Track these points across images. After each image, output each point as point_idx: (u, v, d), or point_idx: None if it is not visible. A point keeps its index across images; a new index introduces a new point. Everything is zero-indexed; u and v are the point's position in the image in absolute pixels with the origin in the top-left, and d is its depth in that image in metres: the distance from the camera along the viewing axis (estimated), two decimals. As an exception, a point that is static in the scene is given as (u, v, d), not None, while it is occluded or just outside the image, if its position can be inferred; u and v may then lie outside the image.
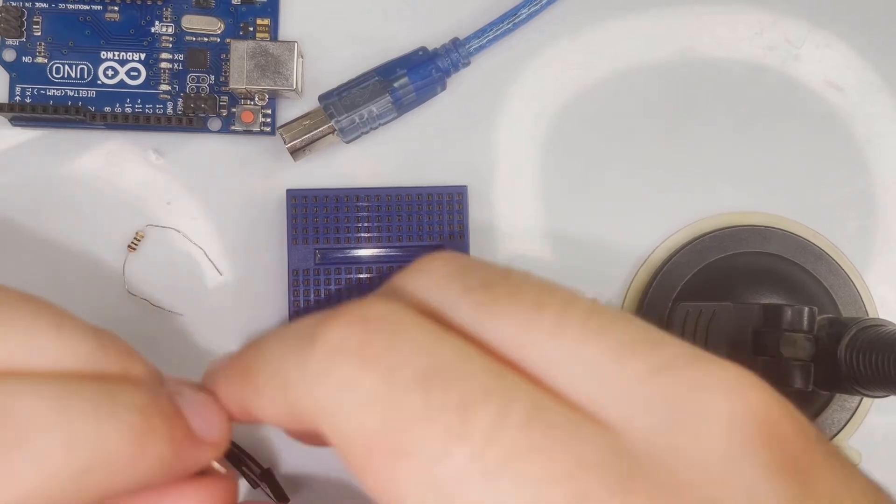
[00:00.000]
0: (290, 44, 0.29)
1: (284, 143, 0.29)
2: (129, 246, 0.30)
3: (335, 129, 0.29)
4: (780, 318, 0.23)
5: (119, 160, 0.30)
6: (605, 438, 0.12)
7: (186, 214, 0.30)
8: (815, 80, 0.31)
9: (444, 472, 0.12)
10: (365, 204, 0.29)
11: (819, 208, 0.31)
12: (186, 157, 0.30)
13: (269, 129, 0.30)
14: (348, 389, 0.13)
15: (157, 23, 0.30)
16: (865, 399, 0.29)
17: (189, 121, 0.29)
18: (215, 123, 0.30)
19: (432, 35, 0.30)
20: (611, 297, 0.30)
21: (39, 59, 0.30)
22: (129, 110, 0.30)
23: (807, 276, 0.30)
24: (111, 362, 0.16)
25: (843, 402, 0.29)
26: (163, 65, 0.30)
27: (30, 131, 0.30)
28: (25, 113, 0.28)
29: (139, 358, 0.17)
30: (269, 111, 0.30)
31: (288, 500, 0.28)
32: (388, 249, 0.29)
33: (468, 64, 0.30)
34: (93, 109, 0.30)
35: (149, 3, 0.30)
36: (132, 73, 0.30)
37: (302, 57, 0.30)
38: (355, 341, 0.14)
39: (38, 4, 0.30)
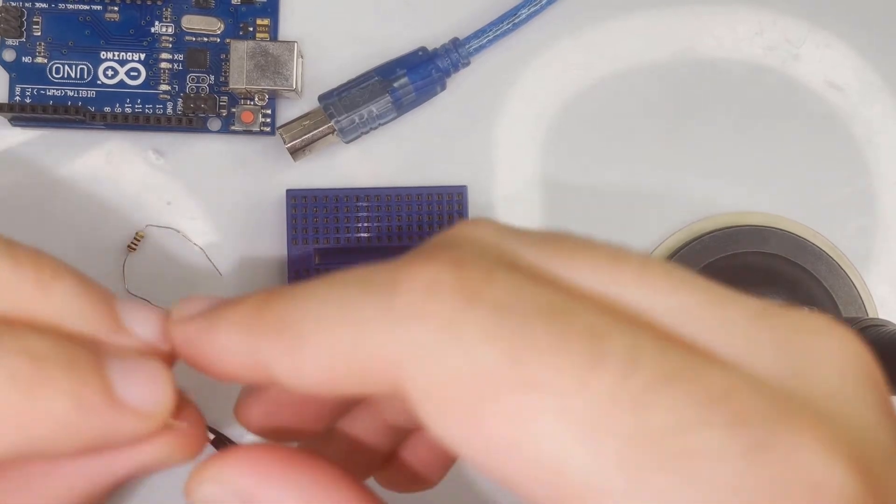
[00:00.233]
0: (289, 44, 0.29)
1: (284, 143, 0.29)
2: (129, 246, 0.30)
3: (335, 129, 0.29)
4: (780, 318, 0.23)
5: (119, 160, 0.30)
6: (738, 369, 0.12)
7: (186, 214, 0.30)
8: (815, 80, 0.31)
9: (586, 402, 0.11)
10: (365, 204, 0.29)
11: (819, 208, 0.31)
12: (186, 157, 0.30)
13: (268, 129, 0.30)
14: (453, 326, 0.12)
15: (156, 23, 0.30)
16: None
17: (189, 121, 0.29)
18: (215, 123, 0.30)
19: (432, 35, 0.30)
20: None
21: (39, 59, 0.30)
22: (128, 110, 0.30)
23: (807, 276, 0.30)
24: (20, 290, 0.15)
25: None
26: (163, 65, 0.30)
27: (30, 131, 0.30)
28: (25, 113, 0.28)
29: (66, 289, 0.15)
30: (269, 111, 0.30)
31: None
32: (387, 249, 0.29)
33: (468, 64, 0.30)
34: (93, 109, 0.30)
35: (149, 3, 0.30)
36: (132, 73, 0.30)
37: (302, 57, 0.30)
38: (451, 281, 0.12)
39: (38, 4, 0.30)
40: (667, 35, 0.31)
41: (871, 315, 0.30)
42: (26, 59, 0.30)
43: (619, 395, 0.11)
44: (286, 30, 0.31)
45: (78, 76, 0.30)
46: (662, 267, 0.13)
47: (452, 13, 0.31)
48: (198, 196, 0.30)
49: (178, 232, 0.30)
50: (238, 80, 0.29)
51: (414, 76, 0.29)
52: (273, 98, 0.30)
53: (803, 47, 0.31)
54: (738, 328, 0.12)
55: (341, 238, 0.29)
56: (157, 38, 0.30)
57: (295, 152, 0.29)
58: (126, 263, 0.30)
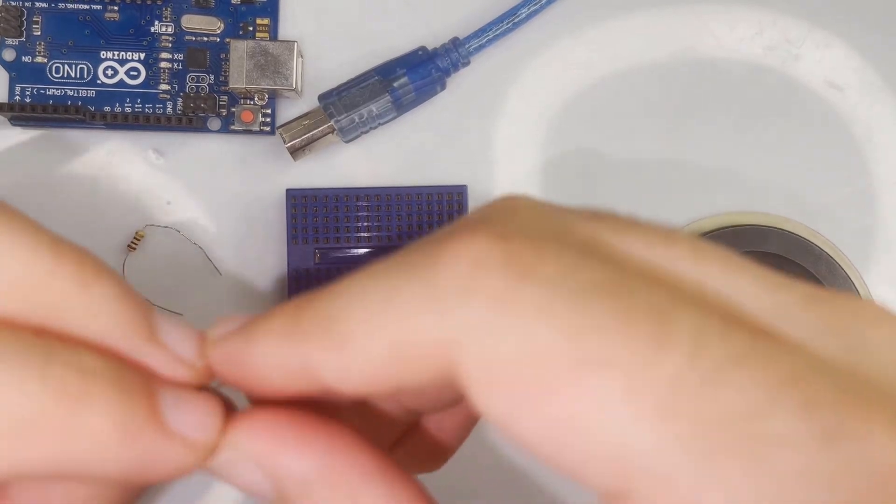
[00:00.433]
0: (289, 43, 0.29)
1: (284, 142, 0.29)
2: (129, 246, 0.30)
3: (335, 129, 0.29)
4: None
5: (119, 160, 0.30)
6: (803, 350, 0.11)
7: (186, 214, 0.30)
8: (815, 80, 0.31)
9: (654, 382, 0.11)
10: (365, 204, 0.29)
11: (819, 208, 0.31)
12: (186, 157, 0.30)
13: (268, 128, 0.30)
14: (506, 303, 0.11)
15: (156, 22, 0.30)
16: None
17: (189, 120, 0.29)
18: (215, 123, 0.30)
19: (432, 35, 0.30)
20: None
21: (39, 59, 0.30)
22: (128, 110, 0.30)
23: (807, 276, 0.30)
24: (61, 287, 0.14)
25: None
26: (162, 64, 0.30)
27: (30, 131, 0.30)
28: (25, 113, 0.28)
29: (106, 291, 0.14)
30: (269, 111, 0.30)
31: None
32: (387, 249, 0.29)
33: (468, 64, 0.30)
34: (93, 109, 0.30)
35: (148, 2, 0.30)
36: (132, 73, 0.30)
37: (302, 57, 0.30)
38: (498, 255, 0.12)
39: (37, 4, 0.30)
40: (667, 35, 0.31)
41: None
42: (26, 59, 0.30)
43: (687, 376, 0.11)
44: (286, 29, 0.31)
45: (78, 76, 0.30)
46: (715, 248, 0.13)
47: (452, 13, 0.31)
48: (198, 196, 0.30)
49: (178, 232, 0.30)
50: (238, 79, 0.29)
51: (414, 76, 0.29)
52: (273, 98, 0.30)
53: (803, 47, 0.31)
54: (795, 311, 0.12)
55: (341, 238, 0.29)
56: (156, 37, 0.30)
57: (295, 152, 0.29)
58: (126, 263, 0.30)
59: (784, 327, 0.12)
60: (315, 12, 0.31)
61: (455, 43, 0.30)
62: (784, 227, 0.30)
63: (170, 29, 0.30)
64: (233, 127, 0.30)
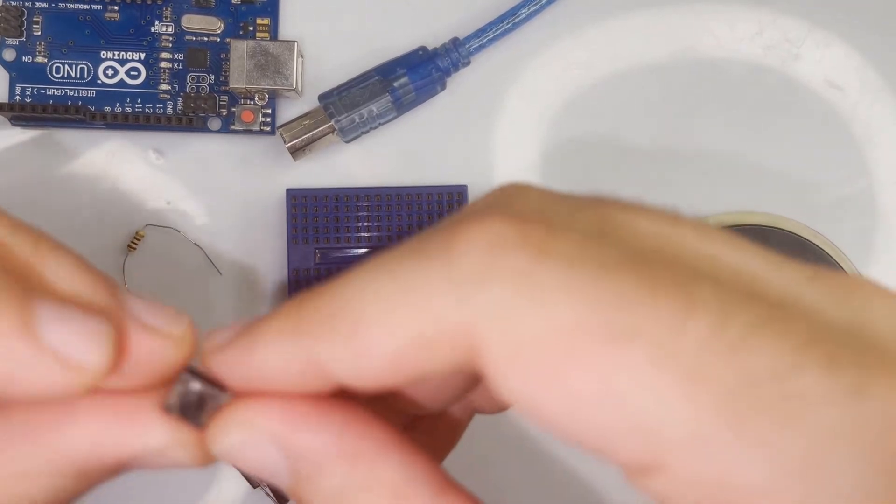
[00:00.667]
0: (289, 43, 0.29)
1: (284, 142, 0.29)
2: (128, 246, 0.30)
3: (335, 129, 0.29)
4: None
5: (119, 160, 0.30)
6: (817, 317, 0.12)
7: (186, 214, 0.30)
8: (815, 80, 0.31)
9: (684, 350, 0.11)
10: (365, 203, 0.29)
11: (819, 208, 0.31)
12: (186, 157, 0.30)
13: (269, 128, 0.30)
14: (527, 281, 0.11)
15: (156, 22, 0.30)
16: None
17: (189, 120, 0.29)
18: (215, 123, 0.30)
19: (432, 35, 0.30)
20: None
21: (39, 59, 0.30)
22: (129, 110, 0.30)
23: (807, 275, 0.30)
24: (14, 251, 0.14)
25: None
26: (163, 64, 0.30)
27: (30, 131, 0.30)
28: (25, 113, 0.28)
29: (62, 261, 0.14)
30: (269, 111, 0.30)
31: (288, 500, 0.28)
32: (388, 249, 0.29)
33: (468, 63, 0.30)
34: (93, 109, 0.30)
35: (149, 2, 0.30)
36: (132, 73, 0.30)
37: (302, 56, 0.30)
38: (514, 236, 0.12)
39: (37, 4, 0.30)
40: (667, 35, 0.31)
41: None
42: (26, 59, 0.30)
43: (714, 343, 0.11)
44: (286, 29, 0.31)
45: (78, 76, 0.30)
46: (718, 229, 0.13)
47: (452, 13, 0.31)
48: (198, 196, 0.30)
49: (178, 232, 0.30)
50: (238, 79, 0.29)
51: (414, 76, 0.29)
52: (273, 97, 0.30)
53: (803, 47, 0.31)
54: (801, 285, 0.12)
55: (341, 238, 0.29)
56: (157, 37, 0.30)
57: (295, 152, 0.29)
58: (126, 263, 0.30)
59: (794, 299, 0.12)
60: (315, 12, 0.31)
61: (455, 43, 0.30)
62: (784, 227, 0.30)
63: (170, 29, 0.30)
64: (233, 127, 0.30)
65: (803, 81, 0.31)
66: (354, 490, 0.13)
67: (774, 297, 0.12)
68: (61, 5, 0.30)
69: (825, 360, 0.11)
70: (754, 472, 0.11)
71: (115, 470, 0.15)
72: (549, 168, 0.31)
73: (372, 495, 0.13)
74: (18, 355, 0.13)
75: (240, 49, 0.29)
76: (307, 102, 0.30)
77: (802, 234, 0.30)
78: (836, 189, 0.31)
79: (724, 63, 0.31)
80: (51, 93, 0.30)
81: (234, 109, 0.30)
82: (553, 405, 0.12)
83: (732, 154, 0.31)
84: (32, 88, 0.30)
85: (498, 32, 0.30)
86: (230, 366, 0.14)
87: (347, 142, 0.30)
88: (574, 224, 0.13)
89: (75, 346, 0.13)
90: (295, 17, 0.31)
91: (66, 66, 0.30)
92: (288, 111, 0.30)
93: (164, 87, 0.30)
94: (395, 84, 0.29)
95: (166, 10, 0.30)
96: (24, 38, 0.30)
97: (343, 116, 0.29)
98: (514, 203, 0.13)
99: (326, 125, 0.29)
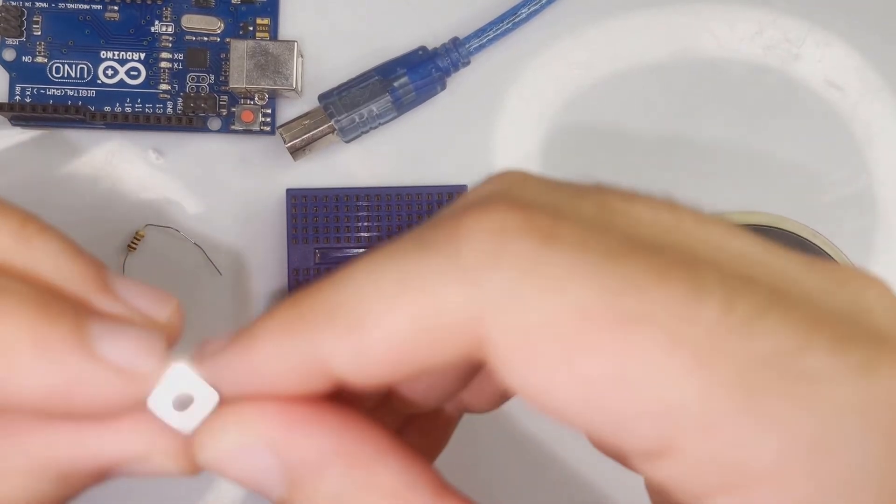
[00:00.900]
0: (289, 43, 0.29)
1: (284, 142, 0.29)
2: (128, 245, 0.30)
3: (335, 129, 0.29)
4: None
5: (119, 160, 0.30)
6: (817, 301, 0.12)
7: (186, 214, 0.30)
8: (815, 80, 0.31)
9: (696, 332, 0.11)
10: (365, 203, 0.29)
11: (819, 208, 0.31)
12: (186, 157, 0.30)
13: (268, 128, 0.30)
14: (536, 267, 0.11)
15: (156, 22, 0.30)
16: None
17: (189, 120, 0.29)
18: (215, 123, 0.30)
19: (432, 35, 0.30)
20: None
21: (39, 59, 0.30)
22: (129, 110, 0.30)
23: (807, 275, 0.30)
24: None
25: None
26: (163, 64, 0.30)
27: (30, 131, 0.30)
28: (25, 113, 0.28)
29: (50, 245, 0.15)
30: (269, 111, 0.30)
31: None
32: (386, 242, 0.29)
33: (468, 63, 0.30)
34: (93, 109, 0.30)
35: (148, 2, 0.30)
36: (132, 73, 0.30)
37: (302, 56, 0.30)
38: (520, 223, 0.12)
39: (37, 4, 0.30)
40: (667, 35, 0.31)
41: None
42: (26, 59, 0.30)
43: (723, 325, 0.11)
44: (286, 29, 0.31)
45: (78, 76, 0.30)
46: (715, 217, 0.13)
47: (452, 12, 0.31)
48: (198, 196, 0.30)
49: (178, 232, 0.30)
50: (238, 79, 0.29)
51: (414, 76, 0.29)
52: (273, 97, 0.30)
53: (803, 47, 0.31)
54: (798, 273, 0.12)
55: (341, 238, 0.29)
56: (156, 37, 0.30)
57: (295, 152, 0.29)
58: (126, 263, 0.30)
59: (794, 284, 0.12)
60: (315, 12, 0.31)
61: (455, 43, 0.30)
62: (784, 227, 0.30)
63: (170, 29, 0.30)
64: (233, 127, 0.30)
65: (803, 81, 0.31)
66: (353, 495, 0.13)
67: (775, 282, 0.12)
68: (61, 5, 0.30)
69: (831, 341, 0.11)
70: (767, 450, 0.11)
71: (98, 476, 0.14)
72: (549, 168, 0.31)
73: (370, 501, 0.13)
74: (76, 367, 0.13)
75: (240, 49, 0.29)
76: (307, 102, 0.30)
77: (802, 234, 0.30)
78: (836, 189, 0.31)
79: (724, 63, 0.31)
80: (51, 93, 0.30)
81: (234, 109, 0.30)
82: (563, 391, 0.12)
83: (732, 154, 0.31)
84: (32, 88, 0.30)
85: (498, 32, 0.30)
86: (225, 369, 0.14)
87: (347, 142, 0.30)
88: (577, 211, 0.13)
89: (125, 354, 0.13)
90: (295, 17, 0.31)
91: (66, 66, 0.30)
92: (288, 111, 0.30)
93: (164, 87, 0.30)
94: (395, 84, 0.29)
95: (166, 10, 0.30)
96: (24, 38, 0.30)
97: (343, 116, 0.29)
98: (514, 190, 0.13)
99: (326, 125, 0.29)
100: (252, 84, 0.29)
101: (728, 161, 0.31)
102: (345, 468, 0.13)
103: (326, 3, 0.31)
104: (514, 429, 0.30)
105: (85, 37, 0.30)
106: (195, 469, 0.14)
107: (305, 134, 0.29)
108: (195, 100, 0.30)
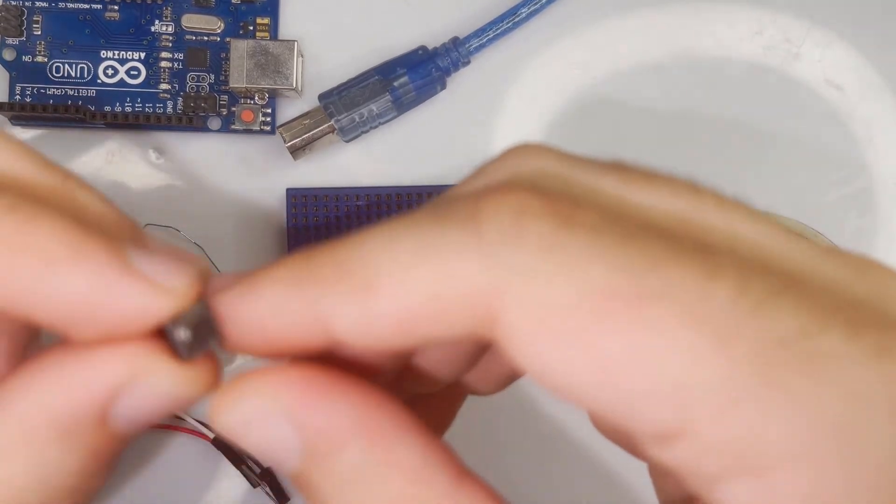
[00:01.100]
0: (289, 43, 0.29)
1: (284, 142, 0.29)
2: (129, 245, 0.30)
3: (335, 129, 0.29)
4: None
5: (119, 160, 0.30)
6: (835, 286, 0.12)
7: (186, 214, 0.30)
8: (814, 80, 0.31)
9: (712, 310, 0.11)
10: (365, 203, 0.29)
11: (819, 208, 0.31)
12: (186, 157, 0.30)
13: (269, 128, 0.30)
14: (555, 246, 0.12)
15: (156, 22, 0.30)
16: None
17: (189, 120, 0.29)
18: (215, 122, 0.30)
19: (432, 34, 0.30)
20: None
21: (39, 59, 0.30)
22: (129, 109, 0.30)
23: (806, 275, 0.30)
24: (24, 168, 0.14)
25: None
26: (163, 64, 0.30)
27: (30, 131, 0.30)
28: (25, 112, 0.28)
29: (91, 192, 0.15)
30: (269, 110, 0.30)
31: (289, 499, 0.28)
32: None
33: (468, 63, 0.30)
34: (93, 109, 0.30)
35: (149, 2, 0.30)
36: (132, 73, 0.30)
37: (302, 56, 0.30)
38: (541, 205, 0.12)
39: (38, 3, 0.30)
40: (667, 35, 0.31)
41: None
42: (26, 59, 0.30)
43: (739, 304, 0.11)
44: (286, 29, 0.31)
45: (78, 75, 0.30)
46: (734, 199, 0.13)
47: (452, 12, 0.31)
48: (198, 195, 0.30)
49: (178, 231, 0.30)
50: (238, 79, 0.29)
51: (414, 75, 0.29)
52: (273, 97, 0.30)
53: (803, 46, 0.31)
54: (817, 261, 0.12)
55: (341, 238, 0.29)
56: (157, 36, 0.30)
57: (295, 151, 0.29)
58: (126, 263, 0.30)
59: (811, 270, 0.12)
60: (315, 12, 0.31)
61: (455, 42, 0.30)
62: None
63: (170, 28, 0.30)
64: (233, 126, 0.30)
65: (803, 81, 0.31)
66: (371, 471, 0.13)
67: (792, 267, 0.12)
68: (61, 5, 0.30)
69: (846, 324, 0.11)
70: (787, 430, 0.11)
71: (101, 425, 0.14)
72: (549, 168, 0.31)
73: (389, 478, 0.13)
74: (109, 277, 0.13)
75: (240, 49, 0.29)
76: (307, 102, 0.30)
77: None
78: (836, 189, 0.31)
79: (724, 63, 0.31)
80: (51, 92, 0.30)
81: (234, 109, 0.30)
82: (578, 368, 0.12)
83: (732, 154, 0.31)
84: (32, 88, 0.30)
85: (498, 32, 0.30)
86: (225, 307, 0.13)
87: (347, 141, 0.30)
88: (596, 192, 0.13)
89: (159, 271, 0.13)
90: (295, 17, 0.31)
91: (66, 66, 0.30)
92: (288, 111, 0.30)
93: (164, 86, 0.30)
94: (395, 84, 0.29)
95: (166, 9, 0.30)
96: (24, 38, 0.30)
97: (343, 116, 0.29)
98: (532, 166, 0.14)
99: (326, 125, 0.29)
100: (252, 84, 0.29)
101: (728, 161, 0.31)
102: (365, 443, 0.13)
103: (326, 3, 0.31)
104: (526, 411, 0.30)
105: (85, 36, 0.30)
106: (197, 391, 0.14)
107: (305, 133, 0.29)
108: (195, 99, 0.30)
